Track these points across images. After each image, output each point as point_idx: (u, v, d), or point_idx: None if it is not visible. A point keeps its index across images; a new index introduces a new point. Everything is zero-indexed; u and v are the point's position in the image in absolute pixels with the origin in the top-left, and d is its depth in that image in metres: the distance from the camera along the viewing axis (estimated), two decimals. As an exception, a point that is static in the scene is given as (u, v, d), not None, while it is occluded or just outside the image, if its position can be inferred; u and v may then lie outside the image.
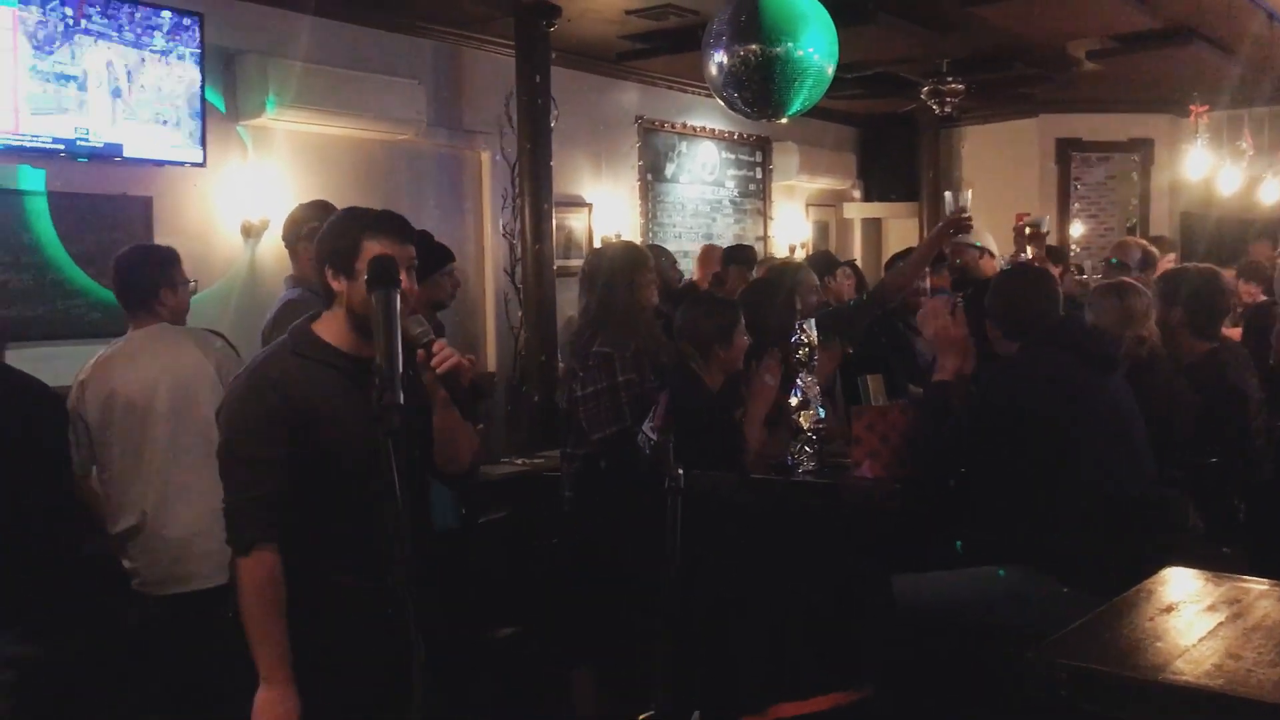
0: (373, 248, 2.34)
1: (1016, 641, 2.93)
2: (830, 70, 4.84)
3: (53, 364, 4.95)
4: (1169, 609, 2.26)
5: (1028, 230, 5.48)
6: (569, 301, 6.98)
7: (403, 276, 2.28)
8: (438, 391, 2.38)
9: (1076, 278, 7.21)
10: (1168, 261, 6.62)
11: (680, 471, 2.18)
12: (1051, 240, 9.76)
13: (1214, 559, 3.08)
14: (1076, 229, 10.40)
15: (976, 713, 3.12)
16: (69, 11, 4.86)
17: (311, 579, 2.36)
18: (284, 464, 2.31)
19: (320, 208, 4.08)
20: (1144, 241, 7.26)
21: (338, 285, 2.39)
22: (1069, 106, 9.93)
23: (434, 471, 2.57)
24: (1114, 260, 6.46)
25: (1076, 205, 10.38)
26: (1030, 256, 5.30)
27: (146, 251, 3.91)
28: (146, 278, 3.67)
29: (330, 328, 2.43)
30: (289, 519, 2.34)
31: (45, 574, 3.18)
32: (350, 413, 2.34)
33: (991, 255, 6.03)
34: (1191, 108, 8.46)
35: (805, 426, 3.60)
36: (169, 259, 3.77)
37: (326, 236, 2.43)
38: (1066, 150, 10.30)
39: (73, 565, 3.32)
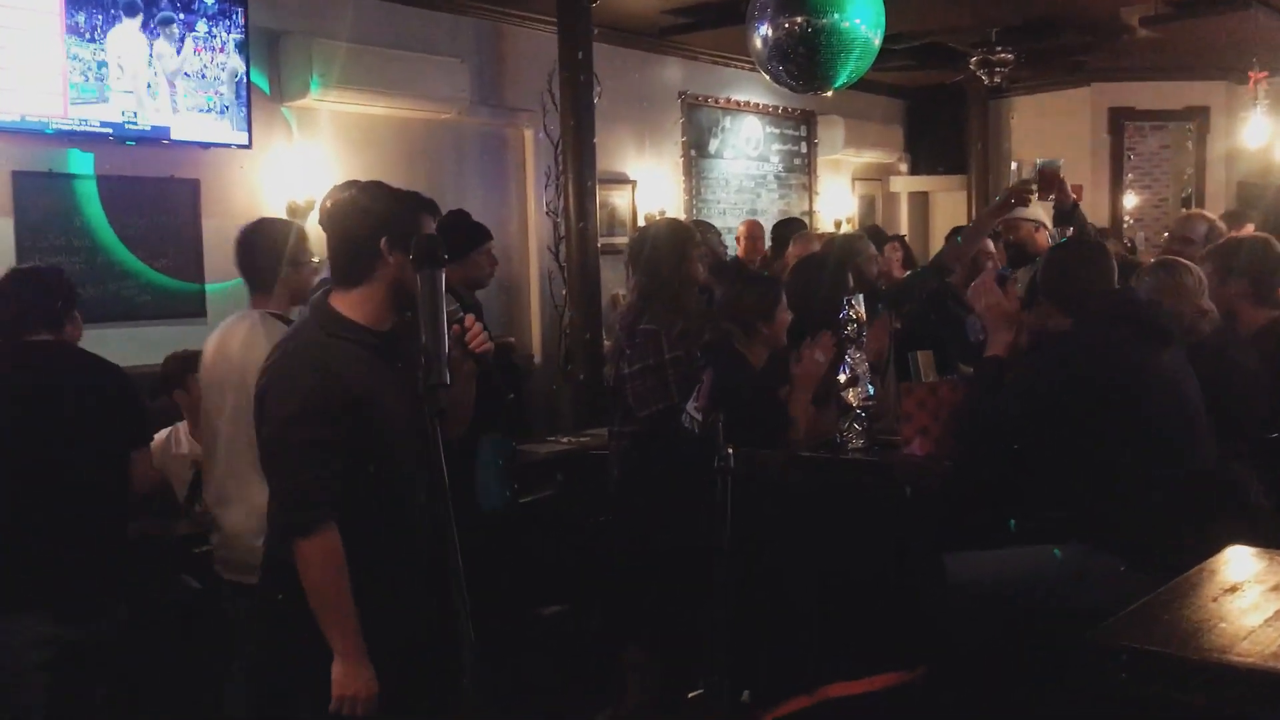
0: (428, 225, 2.38)
1: (1073, 621, 2.89)
2: (877, 41, 4.77)
3: (103, 346, 4.97)
4: (1232, 589, 2.20)
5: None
6: (613, 279, 6.97)
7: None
8: (462, 365, 2.35)
9: (1126, 255, 6.95)
10: (1248, 231, 6.37)
11: (730, 451, 2.15)
12: (1103, 213, 9.61)
13: None
14: (1130, 200, 10.20)
15: (1032, 694, 3.07)
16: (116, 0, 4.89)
17: (360, 560, 2.34)
18: (341, 444, 2.30)
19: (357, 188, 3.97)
20: (1210, 215, 7.06)
21: (394, 259, 2.36)
22: (1122, 75, 9.72)
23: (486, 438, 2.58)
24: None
25: (1130, 176, 10.17)
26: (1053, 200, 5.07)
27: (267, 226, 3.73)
28: (266, 255, 3.46)
29: (359, 305, 2.40)
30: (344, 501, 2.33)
31: (85, 554, 3.19)
32: (387, 391, 2.35)
33: (1045, 227, 5.90)
34: (1250, 74, 8.25)
35: (854, 404, 3.55)
36: (287, 234, 3.59)
37: (382, 210, 2.40)
38: (1119, 120, 10.08)
39: (115, 545, 3.32)
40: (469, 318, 2.34)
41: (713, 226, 5.99)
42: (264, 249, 3.44)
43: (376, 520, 2.38)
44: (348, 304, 2.41)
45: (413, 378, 2.13)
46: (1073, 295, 3.40)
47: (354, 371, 2.34)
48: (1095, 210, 9.77)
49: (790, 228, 7.06)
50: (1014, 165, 5.22)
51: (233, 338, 3.34)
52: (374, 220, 2.40)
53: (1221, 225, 6.20)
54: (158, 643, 3.64)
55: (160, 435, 4.49)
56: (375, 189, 2.46)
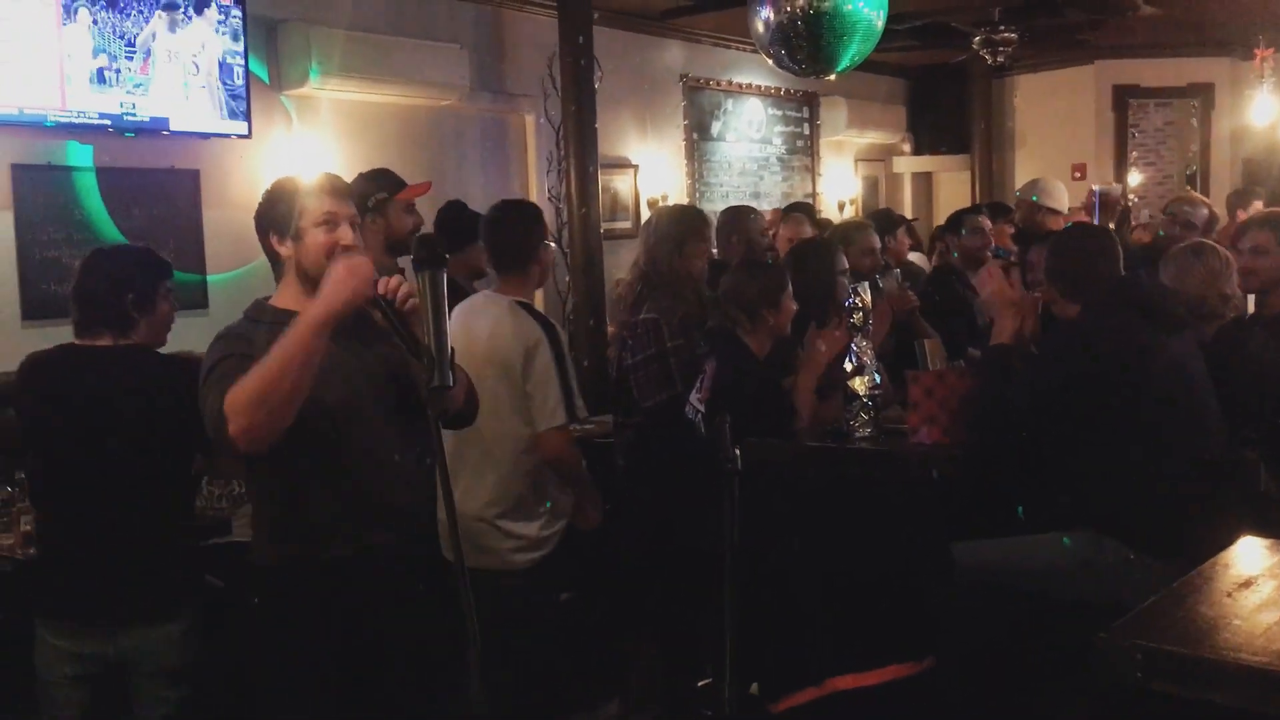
0: (318, 205, 2.38)
1: (1083, 610, 2.88)
2: (880, 23, 4.72)
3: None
4: (1246, 583, 2.18)
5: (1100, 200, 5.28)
6: (616, 264, 6.94)
7: (344, 230, 2.37)
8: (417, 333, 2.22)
9: (1140, 223, 6.86)
10: (1256, 209, 6.31)
11: (738, 452, 2.13)
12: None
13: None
14: (1134, 178, 10.14)
15: (1041, 684, 3.06)
16: (110, -15, 4.85)
17: (299, 545, 2.37)
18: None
19: (384, 177, 3.82)
20: (1202, 197, 6.99)
21: (284, 250, 2.41)
22: (1126, 52, 9.64)
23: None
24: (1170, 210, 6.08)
25: (1134, 154, 10.11)
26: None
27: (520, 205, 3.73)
28: (524, 232, 3.51)
29: (284, 294, 2.45)
30: (269, 489, 2.39)
31: (140, 566, 2.98)
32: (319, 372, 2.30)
33: (1055, 211, 5.87)
34: (1256, 50, 8.18)
35: (861, 392, 3.53)
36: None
37: (264, 205, 2.46)
38: (1124, 97, 10.02)
39: (174, 555, 3.10)
40: (388, 279, 2.24)
41: (756, 211, 5.75)
42: (514, 229, 3.53)
43: (313, 502, 2.37)
44: (277, 295, 2.48)
45: (357, 355, 2.28)
46: (1079, 281, 3.38)
47: (265, 352, 2.25)
48: (1100, 189, 9.74)
49: (797, 211, 7.00)
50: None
51: (479, 323, 3.40)
52: (258, 219, 2.47)
53: (1216, 212, 6.13)
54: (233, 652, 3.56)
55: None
56: (390, 183, 2.45)
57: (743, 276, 3.85)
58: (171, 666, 3.00)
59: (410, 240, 3.71)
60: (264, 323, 2.39)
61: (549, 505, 3.45)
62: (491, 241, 3.60)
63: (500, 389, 3.31)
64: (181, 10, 5.08)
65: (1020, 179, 9.52)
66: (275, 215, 2.42)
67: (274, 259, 2.45)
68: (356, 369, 2.38)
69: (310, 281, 2.35)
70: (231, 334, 2.40)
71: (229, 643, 3.23)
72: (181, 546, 3.14)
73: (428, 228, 4.11)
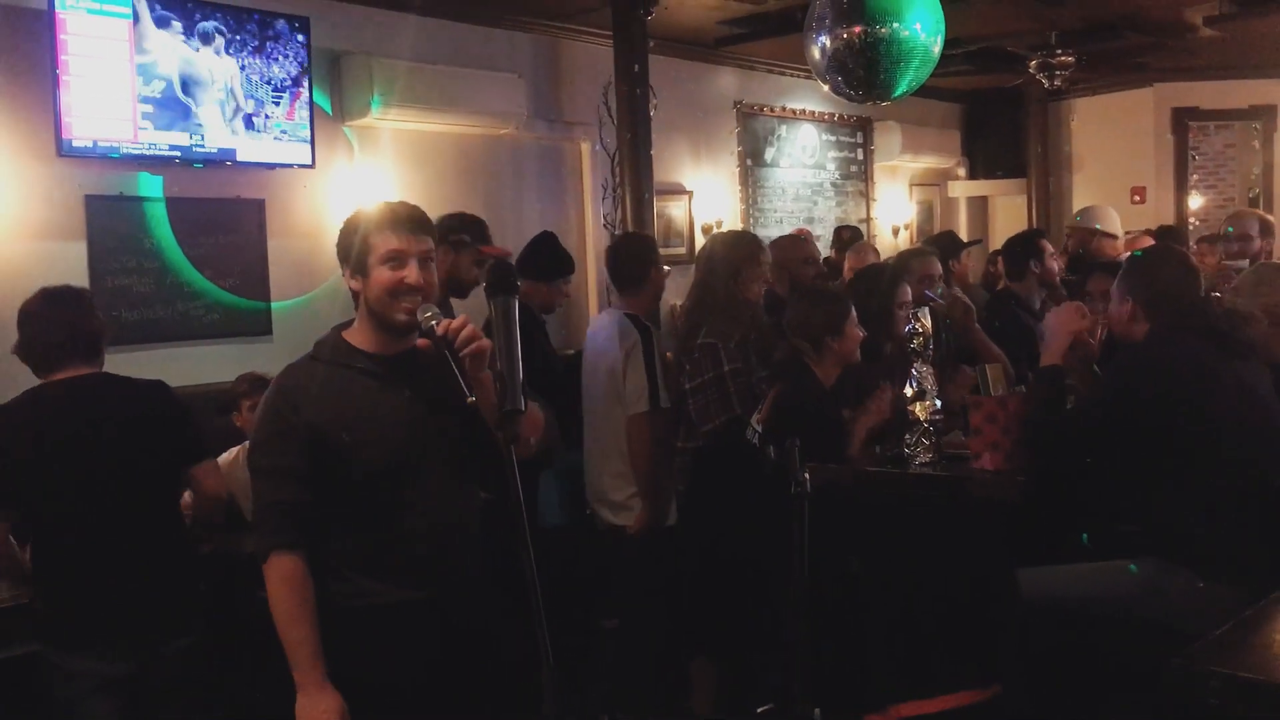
0: (385, 242, 2.30)
1: (1151, 637, 2.84)
2: (937, 49, 4.72)
3: (173, 366, 5.11)
4: (1322, 610, 2.14)
5: None
6: (671, 290, 6.95)
7: (411, 269, 2.28)
8: (479, 375, 2.20)
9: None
10: None
11: (807, 476, 2.13)
12: (1167, 214, 9.44)
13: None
14: (1195, 201, 10.02)
15: (1108, 712, 3.02)
16: (183, 23, 4.98)
17: (344, 589, 2.32)
18: (302, 473, 2.28)
19: (475, 224, 4.16)
20: (1259, 211, 6.89)
21: (355, 285, 2.36)
22: (1185, 74, 9.55)
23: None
24: (1229, 229, 6.01)
25: (1195, 177, 9.99)
26: None
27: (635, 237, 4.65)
28: (636, 259, 4.27)
29: (357, 331, 2.39)
30: (319, 529, 2.30)
31: (146, 585, 3.10)
32: (374, 415, 2.30)
33: (1110, 236, 5.80)
34: (1319, 71, 8.07)
35: (922, 418, 3.51)
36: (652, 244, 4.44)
37: (340, 238, 2.41)
38: (1183, 120, 9.91)
39: (177, 571, 3.23)
40: (449, 323, 2.20)
41: (803, 238, 5.69)
42: (628, 256, 4.30)
43: (361, 548, 2.32)
44: (351, 330, 2.42)
45: (427, 399, 2.22)
46: (1155, 302, 3.34)
47: (329, 397, 2.31)
48: (1159, 212, 9.62)
49: (846, 234, 6.99)
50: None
51: (600, 332, 4.25)
52: (337, 250, 2.43)
53: (1271, 219, 6.04)
54: (239, 657, 3.67)
55: (228, 454, 4.55)
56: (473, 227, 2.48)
57: (806, 305, 3.86)
58: (185, 677, 3.11)
59: (467, 290, 4.04)
60: (323, 361, 2.37)
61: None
62: (611, 266, 4.35)
63: (610, 383, 4.07)
64: (249, 45, 5.20)
65: (1078, 203, 9.44)
66: (345, 249, 2.37)
67: (352, 291, 2.41)
68: (419, 417, 2.32)
69: (380, 321, 2.32)
70: (283, 391, 2.34)
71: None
72: (183, 562, 3.26)
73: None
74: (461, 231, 4.04)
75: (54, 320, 3.12)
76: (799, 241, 5.15)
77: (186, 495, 3.45)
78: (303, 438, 2.27)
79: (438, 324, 2.15)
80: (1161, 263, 3.48)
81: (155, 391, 3.25)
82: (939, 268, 4.74)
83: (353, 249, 2.34)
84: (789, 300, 4.08)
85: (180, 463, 3.26)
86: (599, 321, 4.31)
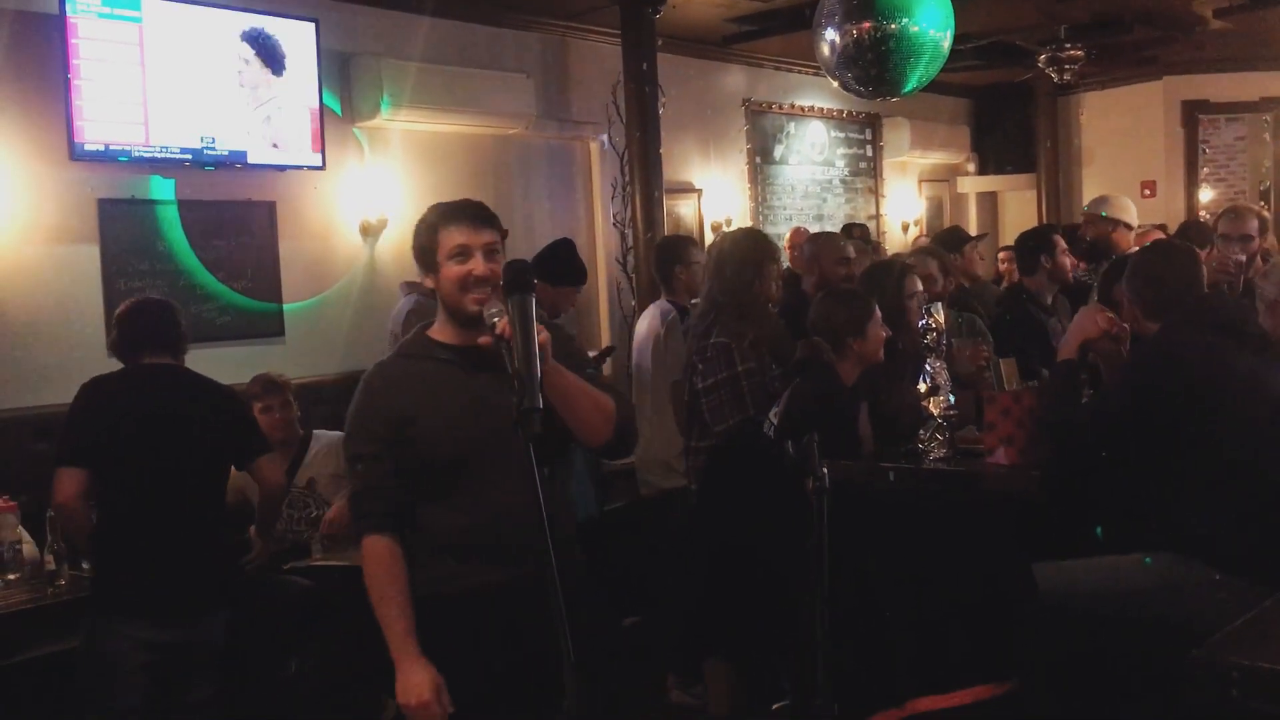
0: (449, 238, 2.39)
1: (1168, 632, 2.83)
2: (946, 45, 4.72)
3: (188, 366, 5.12)
4: (1341, 601, 2.13)
5: None
6: (682, 289, 6.97)
7: (476, 261, 2.36)
8: (545, 377, 2.22)
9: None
10: None
11: (825, 471, 2.13)
12: (1177, 208, 9.42)
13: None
14: (1205, 195, 9.98)
15: (1127, 707, 3.01)
16: (190, 27, 5.00)
17: (432, 573, 2.40)
18: (389, 459, 2.39)
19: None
20: (1254, 207, 6.79)
21: (429, 283, 2.46)
22: (1195, 67, 9.52)
23: (581, 447, 2.56)
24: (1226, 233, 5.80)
25: (1205, 170, 9.96)
26: None
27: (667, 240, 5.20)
28: (662, 260, 4.80)
29: (438, 327, 2.49)
30: (409, 512, 2.41)
31: (192, 562, 3.38)
32: (453, 403, 2.38)
33: (1126, 226, 5.77)
34: (1330, 62, 8.04)
35: (935, 413, 3.51)
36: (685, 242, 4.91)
37: (414, 237, 2.49)
38: (1193, 113, 9.88)
39: (217, 553, 3.53)
40: (504, 321, 2.22)
41: (842, 239, 5.65)
42: (658, 258, 4.89)
43: (446, 531, 2.41)
44: (434, 325, 2.50)
45: (505, 387, 2.20)
46: (1160, 300, 3.34)
47: (409, 387, 2.41)
48: (1170, 205, 9.60)
49: (856, 232, 6.97)
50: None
51: (646, 317, 4.82)
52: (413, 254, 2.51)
53: (1267, 215, 5.96)
54: (272, 641, 3.85)
55: (244, 454, 4.58)
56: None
57: (830, 305, 3.85)
58: (220, 648, 3.45)
59: None
60: (406, 356, 2.48)
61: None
62: (654, 262, 5.03)
63: (656, 354, 4.60)
64: (258, 47, 5.22)
65: (1088, 197, 9.41)
66: (417, 250, 2.47)
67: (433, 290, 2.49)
68: (495, 404, 2.33)
69: (453, 313, 2.42)
70: (371, 383, 2.46)
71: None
72: (223, 542, 3.62)
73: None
74: None
75: (142, 313, 3.54)
76: (835, 239, 5.11)
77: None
78: (389, 425, 2.39)
79: (498, 322, 2.21)
80: (1160, 260, 3.46)
81: (224, 389, 3.66)
82: (933, 267, 4.71)
83: (422, 248, 2.44)
84: (815, 298, 4.06)
85: (243, 455, 3.64)
86: (646, 311, 4.92)
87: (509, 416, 2.22)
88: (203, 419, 3.48)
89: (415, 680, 2.31)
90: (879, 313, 3.78)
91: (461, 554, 2.39)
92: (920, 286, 4.16)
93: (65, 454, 3.35)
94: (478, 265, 2.36)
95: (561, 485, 2.61)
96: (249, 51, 5.20)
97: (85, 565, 3.61)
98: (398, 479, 2.39)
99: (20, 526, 3.69)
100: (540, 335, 2.14)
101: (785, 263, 7.14)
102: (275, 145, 5.32)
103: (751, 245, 4.25)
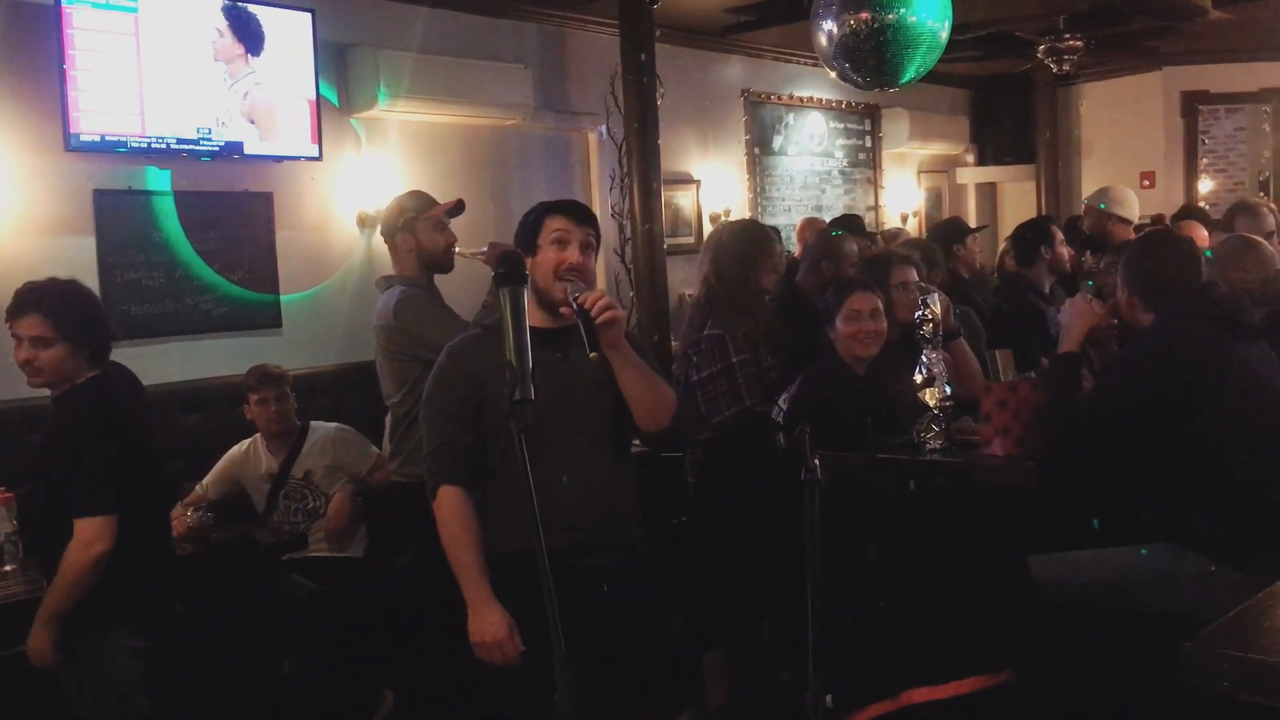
0: (553, 224, 2.61)
1: (1163, 623, 2.84)
2: (944, 35, 4.71)
3: (183, 359, 5.13)
4: (1335, 593, 2.14)
5: None
6: (680, 279, 6.97)
7: (573, 251, 2.58)
8: (614, 351, 2.52)
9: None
10: None
11: (817, 463, 2.14)
12: (1177, 199, 9.40)
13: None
14: (1205, 185, 9.97)
15: (1122, 697, 3.02)
16: (189, 16, 4.98)
17: (495, 534, 2.56)
18: (464, 417, 2.59)
19: (415, 197, 4.07)
20: (1265, 201, 6.75)
21: (528, 264, 2.61)
22: (1195, 58, 9.50)
23: (637, 433, 2.70)
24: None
25: (1205, 161, 9.94)
26: None
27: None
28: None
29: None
30: (481, 469, 2.60)
31: (171, 564, 3.36)
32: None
33: (1125, 220, 5.77)
34: (1329, 53, 8.02)
35: (931, 404, 3.51)
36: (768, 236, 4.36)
37: (519, 222, 2.72)
38: (1193, 103, 9.86)
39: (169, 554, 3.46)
40: (590, 294, 2.48)
41: (849, 240, 5.59)
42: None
43: (505, 504, 2.55)
44: None
45: (579, 366, 2.52)
46: (1156, 290, 3.33)
47: (484, 359, 2.59)
48: (1169, 196, 9.58)
49: (844, 223, 6.93)
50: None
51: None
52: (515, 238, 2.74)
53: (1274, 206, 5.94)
54: (273, 639, 3.79)
55: (239, 447, 4.58)
56: (422, 203, 3.05)
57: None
58: (203, 646, 3.46)
59: (444, 258, 4.03)
60: (487, 329, 2.67)
61: None
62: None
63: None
64: (255, 37, 5.20)
65: (1088, 188, 9.39)
66: (524, 228, 2.69)
67: None
68: (568, 381, 2.59)
69: (540, 296, 2.60)
70: (451, 352, 2.68)
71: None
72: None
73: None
74: (405, 212, 4.00)
75: (95, 302, 3.26)
76: (845, 239, 5.05)
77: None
78: (464, 388, 2.61)
79: (582, 295, 2.47)
80: (1156, 250, 3.46)
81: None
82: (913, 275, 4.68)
83: (526, 227, 2.67)
84: (826, 291, 4.05)
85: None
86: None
87: (579, 394, 2.55)
88: (149, 421, 3.31)
89: (491, 620, 2.47)
90: (880, 305, 3.78)
91: (523, 517, 2.41)
92: (913, 276, 4.16)
93: (94, 504, 2.98)
94: (574, 254, 2.59)
95: (632, 464, 2.76)
96: (245, 42, 5.17)
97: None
98: (472, 436, 2.59)
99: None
100: (616, 312, 2.43)
101: (795, 251, 7.11)
102: (272, 136, 5.29)
103: (749, 237, 4.24)
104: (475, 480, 2.60)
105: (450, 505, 2.57)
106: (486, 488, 2.62)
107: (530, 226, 2.65)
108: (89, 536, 2.97)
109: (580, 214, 2.67)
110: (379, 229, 4.25)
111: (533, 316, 2.47)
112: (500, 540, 2.55)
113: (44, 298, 3.10)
